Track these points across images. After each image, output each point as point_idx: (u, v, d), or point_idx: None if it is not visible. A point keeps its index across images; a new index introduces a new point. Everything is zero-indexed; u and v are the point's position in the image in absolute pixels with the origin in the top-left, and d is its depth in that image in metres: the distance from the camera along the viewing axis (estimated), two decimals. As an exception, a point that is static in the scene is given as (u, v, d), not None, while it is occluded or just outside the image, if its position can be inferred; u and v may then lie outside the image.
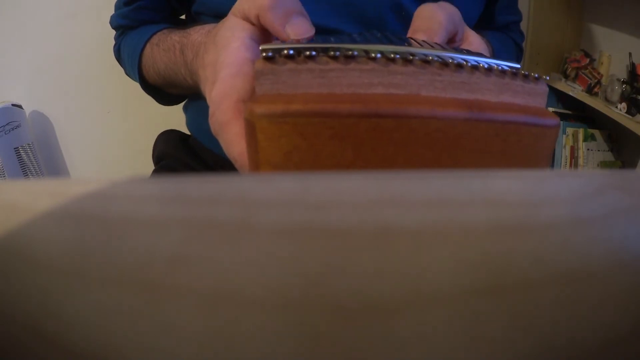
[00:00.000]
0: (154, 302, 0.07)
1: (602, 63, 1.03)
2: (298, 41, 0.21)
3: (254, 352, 0.07)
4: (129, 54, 0.47)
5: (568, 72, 1.08)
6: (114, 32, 0.52)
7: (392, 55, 0.17)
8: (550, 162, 0.22)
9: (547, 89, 0.20)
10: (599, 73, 1.01)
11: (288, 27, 0.22)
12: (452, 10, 0.25)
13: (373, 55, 0.17)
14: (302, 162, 0.16)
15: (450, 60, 0.18)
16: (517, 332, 0.07)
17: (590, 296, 0.08)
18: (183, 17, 0.52)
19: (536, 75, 0.19)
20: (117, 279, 0.07)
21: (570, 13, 1.10)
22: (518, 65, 0.19)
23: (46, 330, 0.07)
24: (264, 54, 0.17)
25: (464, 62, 0.18)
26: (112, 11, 0.50)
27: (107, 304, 0.07)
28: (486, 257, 0.08)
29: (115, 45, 0.51)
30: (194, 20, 0.46)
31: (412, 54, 0.17)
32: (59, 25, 1.06)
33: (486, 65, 0.18)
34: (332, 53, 0.17)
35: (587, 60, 1.04)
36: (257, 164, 0.17)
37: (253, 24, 0.24)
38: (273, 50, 0.17)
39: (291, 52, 0.17)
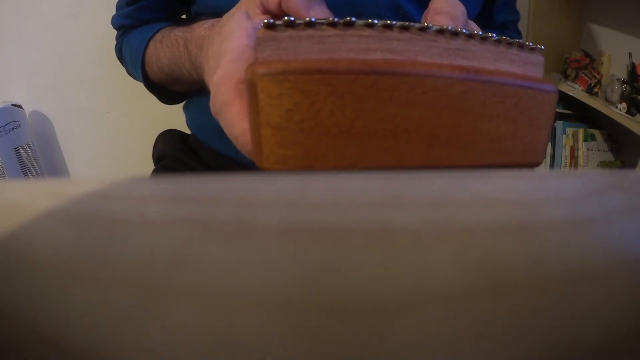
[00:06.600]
0: (154, 302, 0.07)
1: (602, 63, 1.03)
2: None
3: (254, 352, 0.07)
4: (131, 52, 0.47)
5: (568, 72, 1.08)
6: (114, 32, 0.52)
7: (389, 22, 0.18)
8: (551, 131, 0.23)
9: (542, 59, 0.20)
10: (599, 73, 1.01)
11: (311, 11, 0.23)
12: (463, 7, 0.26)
13: (370, 21, 0.18)
14: (303, 121, 0.17)
15: (445, 27, 0.18)
16: (518, 332, 0.07)
17: (591, 296, 0.08)
18: (184, 17, 0.52)
19: (531, 44, 0.19)
20: (117, 279, 0.07)
21: (570, 13, 1.10)
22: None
23: (46, 330, 0.07)
24: (266, 21, 0.17)
25: (459, 30, 0.18)
26: (112, 11, 0.50)
27: (107, 304, 0.07)
28: (486, 257, 0.08)
29: (116, 44, 0.51)
30: (194, 20, 0.46)
31: (409, 23, 0.18)
32: (59, 25, 1.06)
33: (481, 34, 0.18)
34: (331, 19, 0.18)
35: (587, 60, 1.04)
36: (257, 127, 0.17)
37: (267, 12, 0.25)
38: (274, 21, 0.18)
39: (292, 19, 0.17)
